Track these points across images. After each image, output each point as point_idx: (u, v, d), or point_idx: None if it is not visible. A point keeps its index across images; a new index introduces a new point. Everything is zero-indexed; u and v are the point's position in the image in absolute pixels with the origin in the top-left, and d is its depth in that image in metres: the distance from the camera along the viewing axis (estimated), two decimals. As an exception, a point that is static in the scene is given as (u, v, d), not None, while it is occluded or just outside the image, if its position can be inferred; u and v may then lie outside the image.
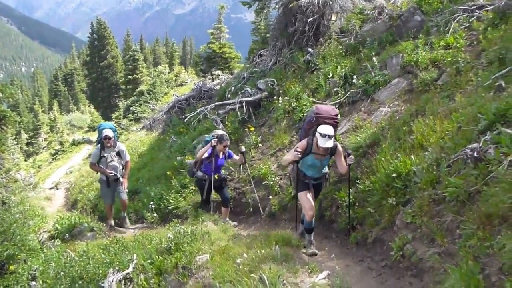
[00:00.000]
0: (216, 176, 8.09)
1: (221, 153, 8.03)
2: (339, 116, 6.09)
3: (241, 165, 9.63)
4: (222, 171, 8.47)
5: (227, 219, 8.27)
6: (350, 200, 6.30)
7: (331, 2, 11.61)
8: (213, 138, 7.89)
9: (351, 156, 5.80)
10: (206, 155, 7.89)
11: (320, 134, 5.57)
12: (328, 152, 5.79)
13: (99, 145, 8.67)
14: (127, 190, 9.31)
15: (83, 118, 49.84)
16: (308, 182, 6.12)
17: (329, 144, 5.53)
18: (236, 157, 8.36)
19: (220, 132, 8.29)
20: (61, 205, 17.80)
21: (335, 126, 5.87)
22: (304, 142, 5.93)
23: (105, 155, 8.48)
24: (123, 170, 8.85)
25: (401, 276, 4.65)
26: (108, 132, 8.45)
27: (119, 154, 8.62)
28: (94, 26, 59.50)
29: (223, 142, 7.85)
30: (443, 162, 4.79)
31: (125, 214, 9.59)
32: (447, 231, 4.21)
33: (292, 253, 5.31)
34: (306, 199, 5.94)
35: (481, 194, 3.92)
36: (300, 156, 5.81)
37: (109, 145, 8.48)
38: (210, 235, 6.40)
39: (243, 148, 8.26)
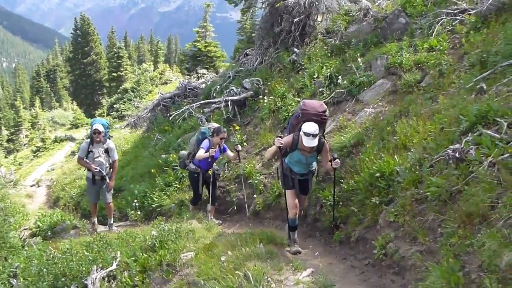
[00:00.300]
0: (209, 171, 8.09)
1: (217, 146, 7.89)
2: (327, 112, 5.87)
3: (227, 163, 9.65)
4: (215, 166, 8.38)
5: (212, 217, 8.23)
6: (334, 200, 6.36)
7: (317, 3, 11.68)
8: (209, 130, 7.91)
9: (336, 160, 5.60)
10: (203, 151, 7.65)
11: (304, 133, 5.38)
12: (314, 149, 5.60)
13: (88, 140, 8.56)
14: (112, 191, 9.13)
15: (66, 115, 49.19)
16: (294, 178, 5.96)
17: (313, 143, 5.37)
18: (230, 153, 8.28)
19: (216, 125, 8.27)
20: (43, 202, 17.60)
21: (322, 123, 5.74)
22: (289, 138, 5.77)
23: (93, 150, 8.36)
24: (110, 169, 8.69)
25: (384, 274, 4.73)
26: (98, 126, 8.31)
27: (107, 151, 8.49)
28: (78, 22, 58.70)
29: (220, 134, 7.79)
30: (426, 162, 4.88)
31: (112, 221, 9.24)
32: (429, 230, 4.30)
33: (277, 251, 5.36)
34: (291, 196, 5.86)
35: (462, 193, 4.01)
36: (281, 143, 5.67)
37: (98, 139, 8.34)
38: (194, 233, 6.41)
39: (239, 147, 8.20)
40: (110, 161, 8.58)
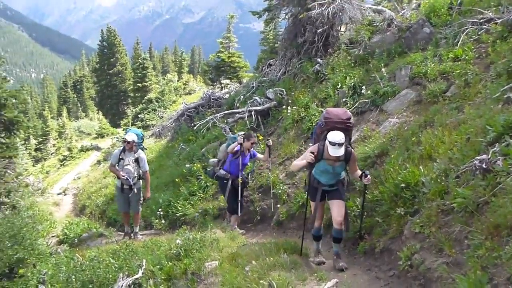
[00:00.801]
0: (239, 179, 8.03)
1: (247, 151, 7.95)
2: (352, 120, 5.60)
3: (250, 173, 9.58)
4: (244, 174, 8.38)
5: (235, 226, 8.23)
6: (360, 210, 6.31)
7: (340, 14, 11.69)
8: (240, 136, 7.90)
9: (368, 177, 5.37)
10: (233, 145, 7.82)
11: (330, 142, 5.15)
12: (341, 158, 5.35)
13: (121, 147, 8.76)
14: (144, 199, 9.20)
15: (92, 124, 50.14)
16: (321, 189, 5.66)
17: (340, 152, 5.15)
18: (260, 155, 8.29)
19: (247, 132, 8.37)
20: (69, 210, 17.95)
21: (347, 131, 5.46)
22: (315, 148, 5.53)
23: (124, 158, 8.55)
24: (138, 179, 8.82)
25: (409, 285, 4.68)
26: (132, 137, 8.54)
27: (137, 160, 8.66)
28: (104, 33, 60.14)
29: (250, 139, 7.83)
30: (452, 173, 4.83)
31: (137, 229, 9.33)
32: (455, 241, 4.25)
33: (301, 261, 5.37)
34: (316, 207, 5.68)
35: (490, 205, 3.96)
36: (314, 159, 5.36)
37: (128, 148, 8.56)
38: (218, 242, 6.47)
39: (270, 142, 8.13)
40: (140, 171, 8.72)
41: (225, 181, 8.09)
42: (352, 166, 5.60)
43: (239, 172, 8.02)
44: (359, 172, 5.60)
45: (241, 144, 7.79)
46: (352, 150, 5.60)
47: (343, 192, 5.82)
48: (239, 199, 8.11)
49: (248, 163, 8.41)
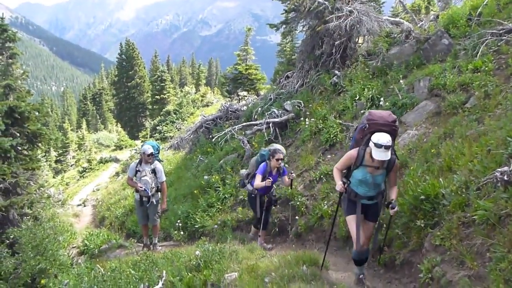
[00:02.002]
0: (265, 197, 7.80)
1: (275, 169, 7.61)
2: (397, 123, 5.11)
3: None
4: (274, 187, 8.11)
5: (263, 242, 8.09)
6: (382, 222, 6.28)
7: (358, 26, 11.73)
8: (269, 152, 7.63)
9: (395, 209, 4.90)
10: (259, 179, 7.48)
11: (375, 144, 4.63)
12: (385, 165, 4.86)
13: (137, 160, 8.87)
14: (162, 211, 9.20)
15: (111, 137, 50.76)
16: (359, 202, 5.12)
17: (386, 156, 4.63)
18: (286, 178, 7.82)
19: (276, 146, 7.86)
20: (89, 221, 18.15)
21: (393, 135, 4.89)
22: (354, 152, 5.01)
23: (141, 169, 8.66)
24: (156, 191, 8.89)
25: (430, 298, 4.65)
26: (151, 150, 8.66)
27: (154, 171, 8.76)
28: (123, 47, 61.07)
29: (275, 155, 7.47)
30: (472, 185, 4.81)
31: (156, 241, 9.38)
32: (477, 254, 4.22)
33: (320, 273, 5.35)
34: (354, 224, 5.05)
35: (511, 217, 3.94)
36: (343, 188, 4.98)
37: (149, 160, 8.67)
38: (237, 253, 6.49)
39: (294, 175, 7.87)
40: (157, 182, 8.80)
41: (253, 196, 7.92)
42: (393, 177, 5.06)
43: (267, 190, 7.76)
44: (394, 191, 5.09)
45: (267, 163, 7.57)
46: (396, 159, 5.04)
47: (381, 209, 5.33)
48: (264, 215, 7.89)
49: (277, 180, 7.93)
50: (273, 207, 8.47)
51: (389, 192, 5.12)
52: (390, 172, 4.99)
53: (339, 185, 4.99)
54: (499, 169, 4.41)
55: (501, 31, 8.38)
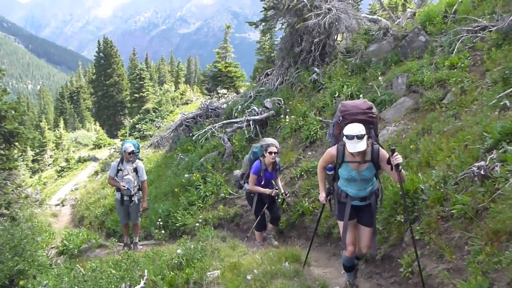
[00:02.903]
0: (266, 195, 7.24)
1: (270, 166, 7.08)
2: (374, 110, 4.65)
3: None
4: (273, 183, 7.45)
5: (271, 236, 7.79)
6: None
7: (337, 23, 11.82)
8: (261, 148, 7.08)
9: (396, 154, 4.26)
10: (254, 179, 7.05)
11: (346, 136, 4.31)
12: (367, 158, 4.46)
13: (118, 159, 8.77)
14: (143, 209, 9.12)
15: (89, 135, 50.08)
16: (350, 203, 4.67)
17: (360, 146, 4.23)
18: (279, 182, 7.50)
19: (268, 140, 7.28)
20: (68, 221, 17.90)
21: (370, 124, 4.53)
22: (332, 150, 4.68)
23: (123, 168, 8.57)
24: (138, 189, 8.82)
25: (411, 292, 4.72)
26: (132, 148, 8.56)
27: (136, 170, 8.69)
28: (101, 44, 60.18)
29: (268, 149, 6.90)
30: (450, 180, 4.89)
31: (137, 240, 9.30)
32: (456, 248, 4.30)
33: (302, 270, 5.38)
34: (345, 229, 4.67)
35: (489, 211, 4.02)
36: (325, 200, 4.82)
37: (130, 159, 8.58)
38: (219, 251, 6.48)
39: (288, 197, 7.82)
40: (139, 181, 8.73)
41: (252, 195, 7.33)
42: (386, 166, 4.48)
43: (266, 187, 7.21)
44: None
45: (260, 160, 7.05)
46: (381, 147, 4.55)
47: (375, 210, 4.85)
48: (273, 210, 7.48)
49: (274, 177, 7.37)
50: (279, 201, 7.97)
51: (393, 178, 4.66)
52: (379, 162, 4.49)
53: (322, 197, 4.87)
54: (476, 164, 4.49)
55: (476, 28, 8.53)
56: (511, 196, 3.77)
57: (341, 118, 4.61)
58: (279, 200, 7.39)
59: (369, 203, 4.68)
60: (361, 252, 4.86)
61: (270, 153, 6.90)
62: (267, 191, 7.01)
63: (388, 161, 4.32)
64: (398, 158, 4.23)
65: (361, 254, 4.95)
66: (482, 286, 3.31)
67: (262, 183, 7.10)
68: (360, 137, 4.23)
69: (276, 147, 7.03)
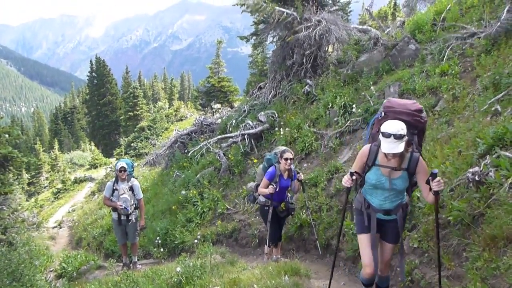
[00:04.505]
0: (282, 205, 6.83)
1: (286, 173, 6.69)
2: (424, 114, 3.97)
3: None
4: (289, 194, 7.04)
5: (279, 256, 7.16)
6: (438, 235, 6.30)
7: (327, 35, 11.91)
8: (276, 156, 6.70)
9: (438, 180, 3.54)
10: (266, 184, 6.56)
11: (383, 133, 3.68)
12: (403, 166, 3.83)
13: (113, 179, 8.74)
14: (140, 228, 8.96)
15: (84, 156, 49.94)
16: (373, 215, 4.05)
17: (397, 148, 3.61)
18: (295, 183, 6.85)
19: (282, 147, 6.97)
20: (66, 243, 17.78)
21: (414, 127, 3.89)
22: (365, 148, 4.04)
23: (118, 188, 8.53)
24: (135, 208, 8.76)
25: (411, 301, 4.71)
26: (123, 164, 8.53)
27: (132, 189, 8.65)
28: (93, 64, 60.28)
29: (284, 155, 6.51)
30: (446, 187, 4.91)
31: (136, 259, 9.22)
32: (454, 255, 4.30)
33: (302, 283, 5.36)
34: (365, 245, 4.05)
35: (485, 216, 4.04)
36: (351, 182, 3.96)
37: (123, 177, 8.54)
38: (219, 267, 6.46)
39: (302, 176, 6.88)
40: (135, 199, 8.70)
41: (266, 208, 6.85)
42: (422, 181, 3.80)
43: (281, 196, 6.81)
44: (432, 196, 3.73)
45: (275, 166, 6.65)
46: (421, 156, 3.89)
47: (402, 227, 4.16)
48: (276, 225, 6.94)
49: (290, 186, 6.86)
50: (290, 216, 7.44)
51: (426, 197, 3.86)
52: (415, 173, 3.86)
53: (345, 177, 3.97)
54: (471, 170, 4.51)
55: (465, 35, 8.62)
56: (506, 201, 3.79)
57: (383, 114, 4.02)
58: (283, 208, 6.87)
59: (394, 218, 4.04)
60: (380, 273, 4.25)
61: (286, 159, 6.50)
62: (267, 190, 6.45)
63: (427, 181, 3.65)
64: (440, 185, 3.55)
65: (381, 276, 4.31)
66: (482, 292, 3.31)
67: (277, 189, 6.56)
68: (398, 137, 3.59)
69: (291, 153, 6.65)
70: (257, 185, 7.03)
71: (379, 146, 3.80)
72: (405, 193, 4.06)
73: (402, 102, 3.99)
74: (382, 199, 4.00)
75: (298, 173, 6.83)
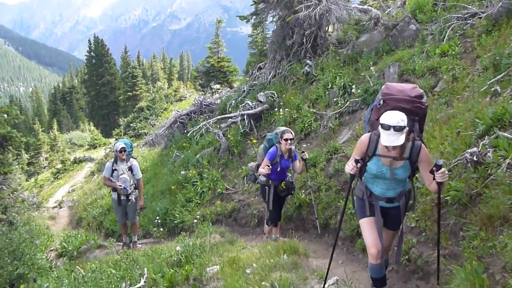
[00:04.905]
0: (282, 184, 6.87)
1: (286, 154, 6.73)
2: (425, 100, 3.82)
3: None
4: (289, 175, 7.13)
5: (278, 235, 7.26)
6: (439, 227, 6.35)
7: (327, 15, 11.80)
8: (276, 136, 6.72)
9: (443, 171, 3.48)
10: (267, 163, 6.57)
11: (381, 125, 3.55)
12: (404, 155, 3.74)
13: (112, 159, 8.76)
14: (140, 208, 9.09)
15: (83, 136, 49.90)
16: (377, 203, 3.97)
17: (397, 140, 3.48)
18: (297, 163, 6.91)
19: (283, 128, 6.98)
20: (66, 223, 17.91)
21: (415, 114, 3.74)
22: (364, 138, 3.89)
23: (117, 168, 8.56)
24: (134, 188, 8.81)
25: (408, 279, 4.77)
26: (122, 145, 8.55)
27: (131, 169, 8.69)
28: (92, 44, 59.82)
29: (284, 135, 6.57)
30: (444, 167, 4.92)
31: (136, 239, 9.31)
32: (451, 234, 4.35)
33: (300, 262, 5.42)
34: (369, 229, 3.94)
35: (482, 196, 4.07)
36: (356, 169, 3.81)
37: (123, 158, 8.57)
38: (218, 247, 6.52)
39: (306, 155, 6.93)
40: (134, 179, 8.74)
41: (266, 187, 6.90)
42: (425, 168, 3.73)
43: (281, 176, 6.88)
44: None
45: (276, 147, 6.69)
46: (423, 145, 3.79)
47: (404, 213, 4.09)
48: (276, 204, 6.97)
49: (290, 166, 6.95)
50: (290, 196, 7.51)
51: (429, 186, 3.80)
52: (418, 162, 3.75)
53: (349, 164, 3.85)
54: (469, 150, 4.53)
55: (466, 15, 8.55)
56: (504, 181, 3.81)
57: (381, 102, 3.81)
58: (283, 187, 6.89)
59: (397, 205, 3.98)
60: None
61: (286, 140, 6.56)
62: (266, 169, 6.48)
63: (431, 171, 3.55)
64: (444, 176, 3.49)
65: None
66: (478, 271, 3.34)
67: (278, 169, 6.68)
68: (398, 129, 3.46)
69: (292, 133, 6.71)
70: (258, 165, 7.10)
71: (379, 135, 3.66)
72: (408, 180, 3.96)
73: (402, 88, 3.81)
74: (384, 188, 3.90)
75: (303, 152, 6.86)
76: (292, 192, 7.16)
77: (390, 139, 3.49)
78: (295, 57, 13.16)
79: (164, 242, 9.08)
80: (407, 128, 3.51)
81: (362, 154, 3.89)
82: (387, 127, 3.48)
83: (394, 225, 4.11)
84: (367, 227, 3.93)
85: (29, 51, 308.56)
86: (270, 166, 6.51)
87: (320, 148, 8.85)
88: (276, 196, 6.88)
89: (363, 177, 4.03)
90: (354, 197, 4.26)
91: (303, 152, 6.89)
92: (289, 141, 6.57)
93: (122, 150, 8.48)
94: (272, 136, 6.86)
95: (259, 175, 6.93)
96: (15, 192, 11.79)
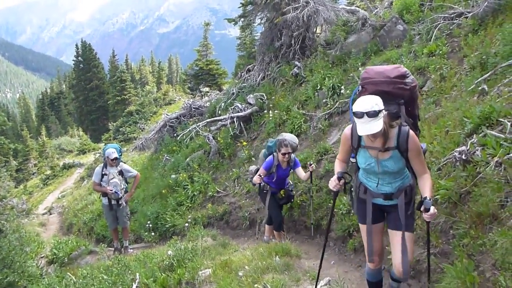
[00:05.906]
0: (281, 192, 6.87)
1: (284, 163, 6.65)
2: (410, 79, 3.39)
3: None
4: (289, 182, 7.17)
5: (271, 237, 7.25)
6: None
7: (315, 16, 11.85)
8: (277, 143, 6.65)
9: (432, 210, 3.21)
10: (263, 172, 6.55)
11: (355, 114, 3.14)
12: (390, 144, 3.30)
13: (102, 164, 8.72)
14: (125, 200, 8.91)
15: (72, 141, 49.58)
16: (370, 202, 3.60)
17: (371, 128, 3.07)
18: (302, 172, 6.85)
19: (285, 135, 6.86)
20: (56, 229, 17.74)
21: (398, 96, 3.34)
22: (347, 130, 3.55)
23: (107, 172, 8.52)
24: (125, 191, 8.77)
25: (400, 278, 4.79)
26: (115, 155, 8.50)
27: (121, 173, 8.66)
28: (79, 48, 59.43)
29: (281, 149, 6.44)
30: (433, 166, 4.96)
31: (127, 244, 9.28)
32: (441, 232, 4.38)
33: (292, 263, 5.42)
34: (364, 236, 3.71)
35: (471, 194, 4.10)
36: (340, 185, 3.56)
37: (113, 164, 8.54)
38: (210, 250, 6.51)
39: (313, 167, 6.80)
40: (126, 183, 8.71)
41: (265, 191, 6.90)
42: (415, 160, 3.35)
43: (280, 185, 6.89)
44: (426, 184, 3.35)
45: (273, 156, 6.63)
46: (411, 131, 3.32)
47: (404, 213, 3.48)
48: (273, 211, 6.92)
49: (289, 174, 6.96)
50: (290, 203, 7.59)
51: (420, 186, 3.42)
52: (408, 151, 3.29)
53: (332, 181, 3.56)
54: (458, 149, 4.57)
55: (452, 15, 8.61)
56: (492, 179, 3.84)
57: (360, 88, 3.48)
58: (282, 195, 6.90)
59: (394, 204, 3.53)
60: (397, 268, 3.50)
61: (283, 154, 6.47)
62: (256, 179, 6.42)
63: (418, 207, 3.31)
64: (432, 217, 3.27)
65: (397, 275, 3.58)
66: (468, 268, 3.37)
67: (274, 180, 6.70)
68: (371, 115, 3.04)
69: (291, 145, 6.55)
70: (257, 169, 7.11)
71: None
72: (407, 173, 3.52)
73: (381, 70, 3.41)
74: (376, 182, 3.52)
75: (311, 164, 6.74)
76: (292, 200, 7.21)
77: (365, 128, 3.09)
78: (283, 59, 13.19)
79: (156, 247, 9.05)
80: (384, 112, 3.12)
81: (348, 148, 3.61)
82: (360, 115, 3.08)
83: (399, 224, 3.48)
84: (363, 234, 3.70)
85: (16, 57, 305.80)
86: (262, 176, 6.50)
87: (310, 149, 8.87)
88: (274, 203, 6.89)
89: (359, 172, 3.71)
90: (354, 199, 3.86)
91: (310, 164, 6.75)
92: (286, 156, 6.50)
93: (115, 159, 8.47)
94: (272, 143, 6.82)
95: (264, 188, 6.89)
96: (4, 199, 11.63)
